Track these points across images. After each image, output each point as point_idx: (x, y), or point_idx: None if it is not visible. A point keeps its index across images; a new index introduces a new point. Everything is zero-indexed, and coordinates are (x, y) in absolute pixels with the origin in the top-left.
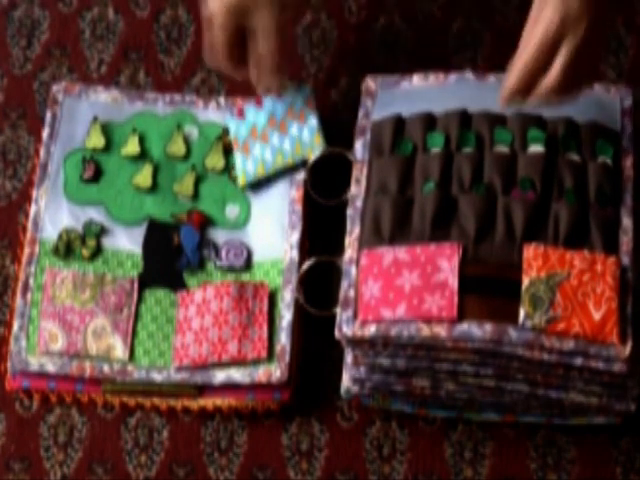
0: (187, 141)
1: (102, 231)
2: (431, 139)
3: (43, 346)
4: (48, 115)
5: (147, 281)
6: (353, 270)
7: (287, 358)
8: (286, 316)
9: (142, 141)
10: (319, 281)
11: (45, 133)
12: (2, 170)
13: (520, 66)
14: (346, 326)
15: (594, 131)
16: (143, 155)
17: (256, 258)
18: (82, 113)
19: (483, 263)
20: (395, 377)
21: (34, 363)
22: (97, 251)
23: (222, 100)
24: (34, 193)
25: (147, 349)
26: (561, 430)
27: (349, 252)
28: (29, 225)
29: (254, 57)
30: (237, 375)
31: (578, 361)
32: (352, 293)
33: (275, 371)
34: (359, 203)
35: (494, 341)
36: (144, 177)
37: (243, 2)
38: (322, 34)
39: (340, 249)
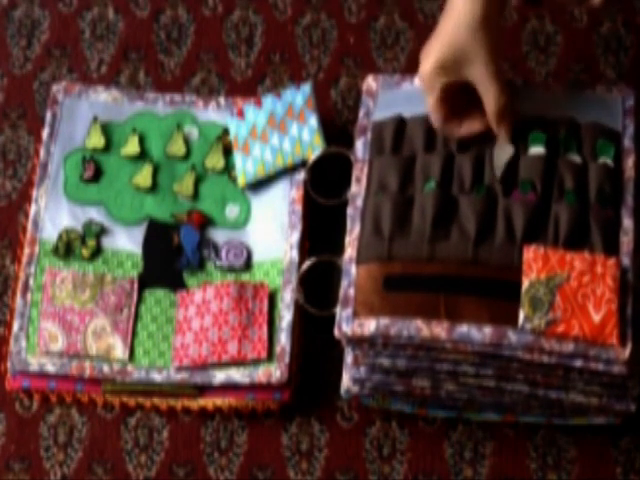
0: (187, 141)
1: (102, 231)
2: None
3: (43, 346)
4: (48, 115)
5: (147, 281)
6: (353, 269)
7: (287, 358)
8: (286, 316)
9: (142, 141)
10: (319, 281)
11: (45, 133)
12: (2, 170)
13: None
14: (346, 324)
15: (595, 131)
16: (143, 155)
17: (256, 258)
18: (82, 113)
19: (483, 265)
20: (395, 377)
21: (34, 363)
22: (97, 251)
23: (222, 100)
24: (34, 193)
25: (147, 349)
26: (561, 430)
27: (349, 251)
28: (29, 225)
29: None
30: (237, 375)
31: (578, 363)
32: (352, 292)
33: (275, 371)
34: (359, 202)
35: (493, 344)
36: (144, 177)
37: (454, 59)
38: (322, 34)
39: (340, 249)
